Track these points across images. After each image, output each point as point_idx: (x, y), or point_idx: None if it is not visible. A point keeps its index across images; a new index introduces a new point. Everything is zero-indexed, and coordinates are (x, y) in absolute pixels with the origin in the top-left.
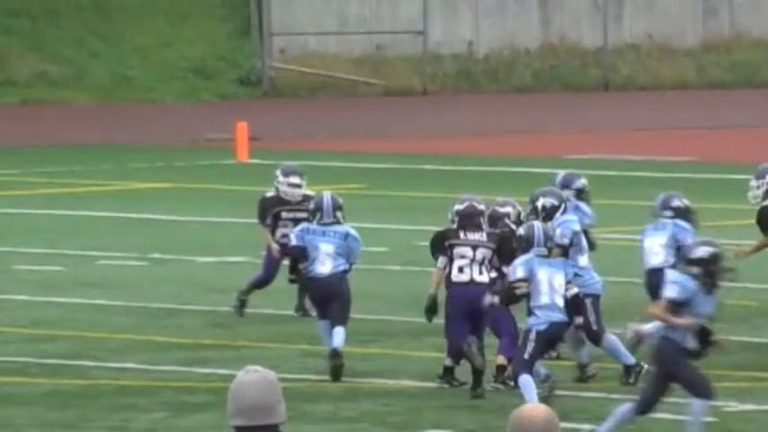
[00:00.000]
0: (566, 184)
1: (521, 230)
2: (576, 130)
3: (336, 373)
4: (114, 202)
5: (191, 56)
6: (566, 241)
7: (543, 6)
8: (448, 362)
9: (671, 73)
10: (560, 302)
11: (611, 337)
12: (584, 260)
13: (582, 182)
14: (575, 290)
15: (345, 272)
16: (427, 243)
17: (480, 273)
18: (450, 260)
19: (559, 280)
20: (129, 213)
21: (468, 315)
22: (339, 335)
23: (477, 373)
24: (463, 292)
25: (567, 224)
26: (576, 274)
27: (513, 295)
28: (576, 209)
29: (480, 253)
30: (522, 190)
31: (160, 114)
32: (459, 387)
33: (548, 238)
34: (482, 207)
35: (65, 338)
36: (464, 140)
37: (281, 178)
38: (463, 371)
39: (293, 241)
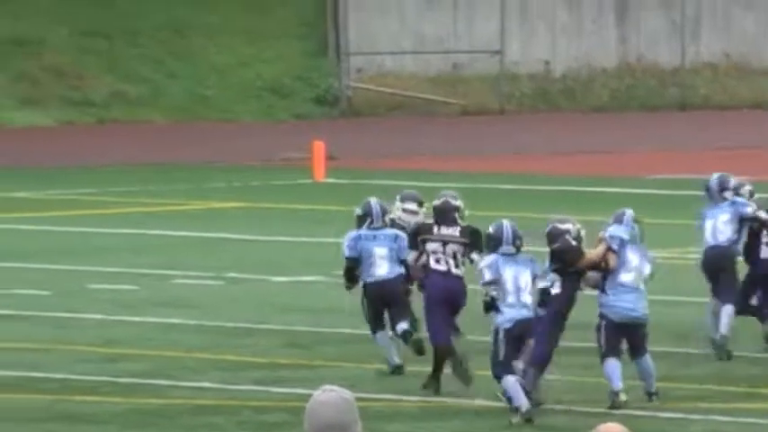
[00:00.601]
0: (722, 187)
1: (490, 229)
2: (654, 149)
3: (420, 349)
4: (190, 221)
5: (267, 75)
6: (615, 246)
7: (620, 25)
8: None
9: (748, 92)
10: (527, 299)
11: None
12: (627, 277)
13: (736, 180)
14: (544, 284)
15: (402, 275)
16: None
17: (456, 266)
18: (426, 253)
19: (526, 278)
20: (206, 233)
21: (446, 305)
22: (403, 325)
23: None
24: (443, 281)
25: (616, 231)
26: (603, 291)
27: (485, 303)
28: (733, 204)
29: (450, 248)
30: (600, 210)
31: (237, 134)
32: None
33: (516, 236)
34: (457, 203)
35: (140, 358)
36: (541, 160)
37: (397, 203)
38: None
39: (346, 252)
